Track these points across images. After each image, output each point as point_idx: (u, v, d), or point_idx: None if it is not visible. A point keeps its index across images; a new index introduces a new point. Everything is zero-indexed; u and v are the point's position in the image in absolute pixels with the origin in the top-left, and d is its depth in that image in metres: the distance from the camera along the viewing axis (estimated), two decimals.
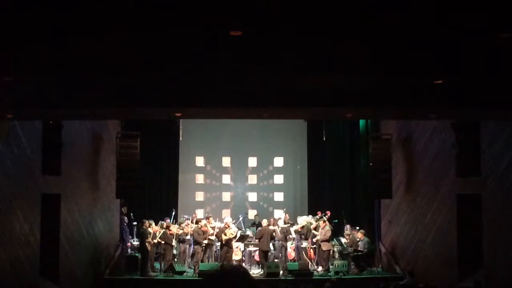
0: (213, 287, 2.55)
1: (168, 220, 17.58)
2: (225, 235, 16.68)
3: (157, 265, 17.36)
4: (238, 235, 17.26)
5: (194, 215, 19.00)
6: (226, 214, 19.98)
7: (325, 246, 17.07)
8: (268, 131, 21.31)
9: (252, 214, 20.95)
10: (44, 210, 13.93)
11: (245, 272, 2.66)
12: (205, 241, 16.89)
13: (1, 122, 12.12)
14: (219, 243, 17.15)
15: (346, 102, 10.53)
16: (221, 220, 18.20)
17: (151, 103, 10.68)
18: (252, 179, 22.38)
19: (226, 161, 22.32)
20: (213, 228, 17.26)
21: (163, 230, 16.88)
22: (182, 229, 17.35)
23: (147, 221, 16.87)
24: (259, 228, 17.59)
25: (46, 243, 14.07)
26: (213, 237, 17.02)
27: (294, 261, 17.34)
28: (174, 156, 21.12)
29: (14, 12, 5.96)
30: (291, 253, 17.81)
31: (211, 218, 17.86)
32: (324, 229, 17.11)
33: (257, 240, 17.43)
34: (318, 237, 17.14)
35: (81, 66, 8.14)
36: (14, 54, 7.53)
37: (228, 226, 16.94)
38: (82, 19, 6.18)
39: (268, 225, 17.32)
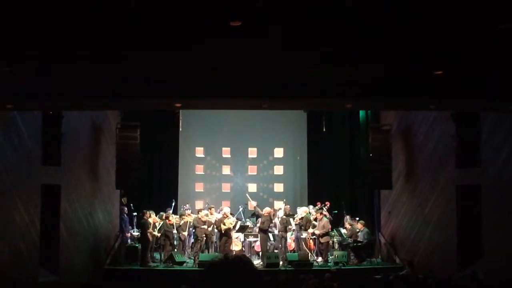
0: (217, 276, 2.55)
1: (170, 211, 17.63)
2: (224, 224, 16.72)
3: (157, 255, 17.41)
4: (238, 226, 17.30)
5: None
6: (226, 205, 19.94)
7: (323, 239, 17.09)
8: (268, 122, 21.26)
9: (251, 205, 20.94)
10: (44, 201, 13.95)
11: (249, 262, 2.66)
12: (206, 226, 16.89)
13: (1, 113, 12.12)
14: (218, 234, 17.18)
15: (346, 93, 10.51)
16: (221, 211, 18.19)
17: (151, 94, 10.67)
18: (252, 170, 22.37)
19: (226, 152, 22.30)
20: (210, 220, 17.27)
21: (163, 221, 16.92)
22: (183, 219, 17.38)
23: (147, 212, 16.90)
24: (261, 219, 17.52)
25: (46, 234, 14.10)
26: (211, 227, 17.06)
27: (294, 251, 17.37)
28: (174, 146, 21.13)
29: (15, 3, 5.95)
30: (291, 243, 17.83)
31: (213, 209, 17.87)
32: (322, 221, 17.12)
33: (256, 229, 17.49)
34: (316, 231, 17.14)
35: (81, 57, 8.13)
36: (14, 45, 7.52)
37: (227, 216, 16.97)
38: (83, 13, 6.17)
39: (269, 213, 17.34)
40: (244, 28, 6.61)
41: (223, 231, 16.76)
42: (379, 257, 18.21)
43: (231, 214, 17.67)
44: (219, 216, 17.40)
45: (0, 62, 8.26)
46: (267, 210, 17.42)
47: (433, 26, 6.78)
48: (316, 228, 17.23)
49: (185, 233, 17.33)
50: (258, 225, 17.52)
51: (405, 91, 10.52)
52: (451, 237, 15.19)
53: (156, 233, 16.75)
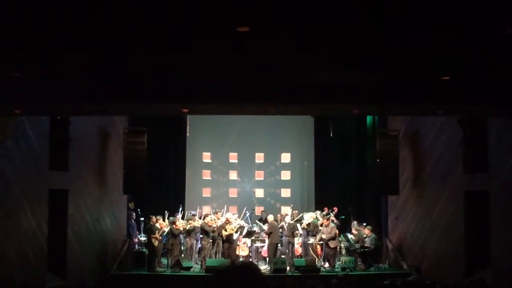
0: (224, 283, 2.56)
1: (178, 216, 17.65)
2: (226, 231, 16.72)
3: (164, 260, 17.42)
4: (245, 231, 17.29)
5: (199, 210, 19.04)
6: (233, 210, 19.94)
7: (332, 244, 17.08)
8: (275, 127, 21.30)
9: (259, 210, 20.96)
10: (51, 206, 13.99)
11: (256, 269, 2.66)
12: (214, 233, 16.90)
13: (9, 118, 12.17)
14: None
15: (353, 98, 10.51)
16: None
17: (158, 99, 10.69)
18: (259, 175, 22.39)
19: (233, 157, 22.34)
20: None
21: (170, 226, 16.94)
22: (189, 224, 17.38)
23: (154, 217, 16.93)
24: (267, 224, 17.54)
25: (54, 239, 14.13)
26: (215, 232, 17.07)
27: (301, 257, 17.35)
28: (181, 151, 21.16)
29: (21, 8, 5.98)
30: (298, 249, 17.82)
31: (219, 213, 17.88)
32: (328, 227, 17.10)
33: (265, 235, 17.47)
34: (323, 236, 17.12)
35: (89, 62, 8.16)
36: (22, 50, 7.55)
37: (229, 222, 16.98)
38: (90, 16, 6.19)
39: (275, 220, 17.36)
40: (252, 33, 6.62)
41: (224, 237, 16.76)
42: (386, 262, 18.17)
43: (240, 219, 17.69)
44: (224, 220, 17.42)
45: (9, 67, 8.30)
46: (269, 218, 17.50)
47: (441, 31, 6.76)
48: (323, 233, 17.21)
49: (192, 238, 17.35)
50: (265, 230, 17.54)
51: (412, 96, 10.50)
52: (458, 243, 15.13)
53: (166, 230, 16.76)
